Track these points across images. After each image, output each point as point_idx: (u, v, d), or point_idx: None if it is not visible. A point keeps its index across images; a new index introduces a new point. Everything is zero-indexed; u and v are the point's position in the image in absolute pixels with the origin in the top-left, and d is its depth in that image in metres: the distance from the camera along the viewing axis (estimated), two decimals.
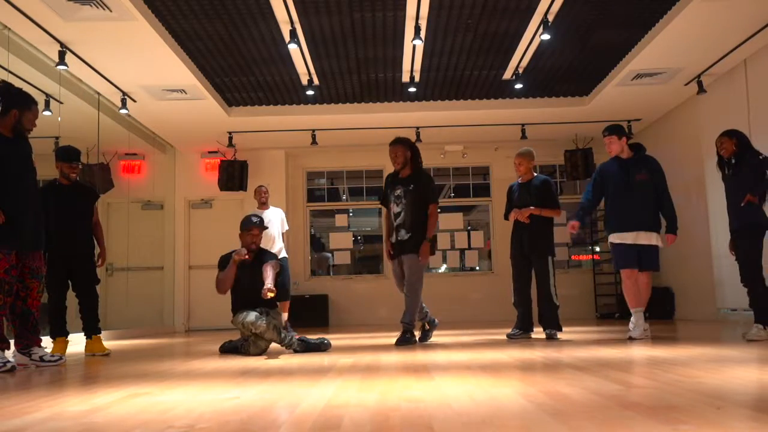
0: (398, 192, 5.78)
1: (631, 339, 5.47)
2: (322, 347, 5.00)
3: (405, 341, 5.60)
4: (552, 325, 5.99)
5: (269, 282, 4.86)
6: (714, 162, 5.64)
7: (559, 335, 6.07)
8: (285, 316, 7.54)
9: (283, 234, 7.94)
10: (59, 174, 5.68)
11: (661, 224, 5.64)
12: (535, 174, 6.31)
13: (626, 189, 5.64)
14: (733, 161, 5.33)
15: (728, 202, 5.40)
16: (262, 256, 5.25)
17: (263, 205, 7.90)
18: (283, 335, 4.93)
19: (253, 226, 5.24)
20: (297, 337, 5.19)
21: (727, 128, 5.56)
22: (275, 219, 7.84)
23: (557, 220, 11.11)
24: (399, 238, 5.74)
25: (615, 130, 5.78)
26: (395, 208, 5.80)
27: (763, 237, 5.20)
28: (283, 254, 7.81)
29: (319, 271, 11.84)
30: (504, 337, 6.18)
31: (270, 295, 4.79)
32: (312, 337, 5.37)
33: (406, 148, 5.79)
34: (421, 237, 5.67)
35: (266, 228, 5.43)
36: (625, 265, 5.63)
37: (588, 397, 2.41)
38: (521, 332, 6.10)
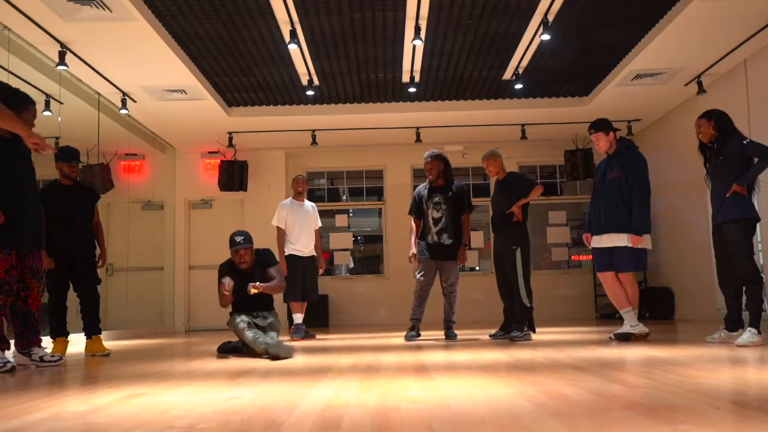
0: (437, 199, 6.29)
1: (614, 336, 5.43)
2: (280, 353, 4.53)
3: (453, 335, 6.29)
4: (515, 326, 5.87)
5: (263, 285, 4.99)
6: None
7: (533, 336, 5.99)
8: (300, 317, 7.09)
9: (315, 231, 7.43)
10: (59, 174, 5.68)
11: (640, 223, 5.27)
12: (507, 171, 6.30)
13: (600, 189, 5.46)
14: (714, 146, 4.94)
15: (712, 193, 5.00)
16: (264, 258, 5.22)
17: (299, 195, 7.40)
18: (267, 339, 4.80)
19: (238, 248, 5.09)
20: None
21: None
22: (313, 212, 7.42)
23: (555, 221, 11.27)
24: (441, 242, 6.24)
25: (601, 126, 5.50)
26: (435, 214, 6.27)
27: (754, 231, 4.84)
28: (313, 252, 7.33)
29: (337, 272, 11.87)
30: (506, 338, 6.17)
31: (253, 291, 4.92)
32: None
33: (440, 161, 6.34)
34: (460, 243, 6.28)
35: (250, 246, 5.14)
36: (598, 269, 5.59)
37: (588, 397, 2.41)
38: (502, 333, 6.08)
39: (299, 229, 7.22)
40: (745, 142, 4.80)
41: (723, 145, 4.87)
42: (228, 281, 4.93)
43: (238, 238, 5.11)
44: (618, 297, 5.46)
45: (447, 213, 6.20)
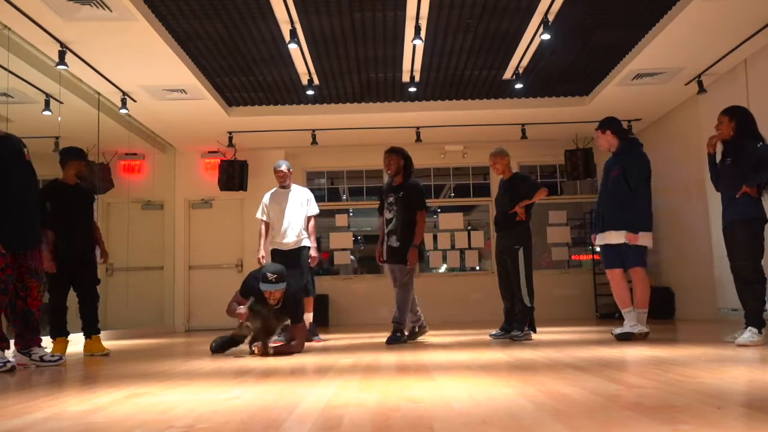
0: (390, 199, 6.03)
1: (614, 335, 5.42)
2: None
3: (395, 340, 5.78)
4: (516, 326, 5.90)
5: (280, 348, 5.01)
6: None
7: (533, 336, 6.01)
8: (310, 316, 6.62)
9: (311, 218, 6.71)
10: (74, 173, 5.66)
11: (638, 221, 5.31)
12: (514, 171, 6.37)
13: (604, 187, 5.52)
14: (730, 146, 4.87)
15: (722, 193, 4.95)
16: (288, 309, 5.08)
17: (283, 186, 6.76)
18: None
19: (269, 289, 4.88)
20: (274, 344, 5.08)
21: None
22: (300, 198, 6.72)
23: (555, 220, 11.28)
24: (390, 245, 5.96)
25: (600, 124, 5.62)
26: (387, 215, 6.03)
27: (763, 231, 4.77)
28: (304, 243, 6.63)
29: (343, 271, 11.89)
30: (507, 338, 6.17)
31: (267, 352, 4.91)
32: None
33: (400, 157, 6.04)
34: (410, 245, 5.85)
35: (282, 286, 4.90)
36: (605, 266, 5.62)
37: (588, 397, 2.41)
38: (502, 333, 6.11)
39: (277, 218, 6.63)
40: (759, 145, 4.75)
41: (736, 148, 4.82)
42: (244, 311, 4.99)
43: (271, 276, 4.85)
44: (622, 296, 5.48)
45: (397, 214, 5.89)
